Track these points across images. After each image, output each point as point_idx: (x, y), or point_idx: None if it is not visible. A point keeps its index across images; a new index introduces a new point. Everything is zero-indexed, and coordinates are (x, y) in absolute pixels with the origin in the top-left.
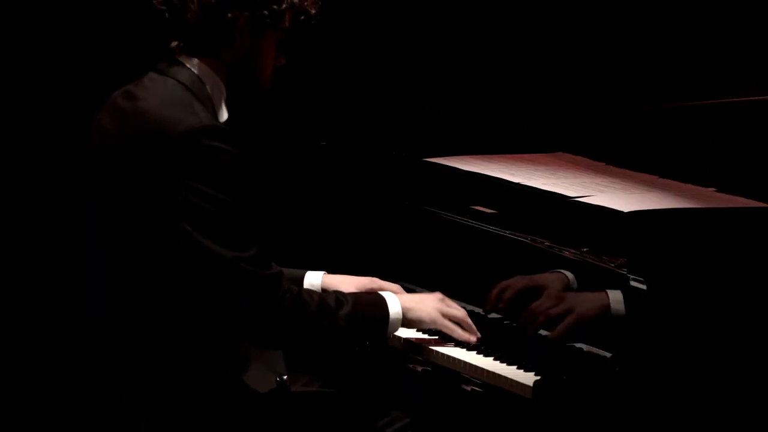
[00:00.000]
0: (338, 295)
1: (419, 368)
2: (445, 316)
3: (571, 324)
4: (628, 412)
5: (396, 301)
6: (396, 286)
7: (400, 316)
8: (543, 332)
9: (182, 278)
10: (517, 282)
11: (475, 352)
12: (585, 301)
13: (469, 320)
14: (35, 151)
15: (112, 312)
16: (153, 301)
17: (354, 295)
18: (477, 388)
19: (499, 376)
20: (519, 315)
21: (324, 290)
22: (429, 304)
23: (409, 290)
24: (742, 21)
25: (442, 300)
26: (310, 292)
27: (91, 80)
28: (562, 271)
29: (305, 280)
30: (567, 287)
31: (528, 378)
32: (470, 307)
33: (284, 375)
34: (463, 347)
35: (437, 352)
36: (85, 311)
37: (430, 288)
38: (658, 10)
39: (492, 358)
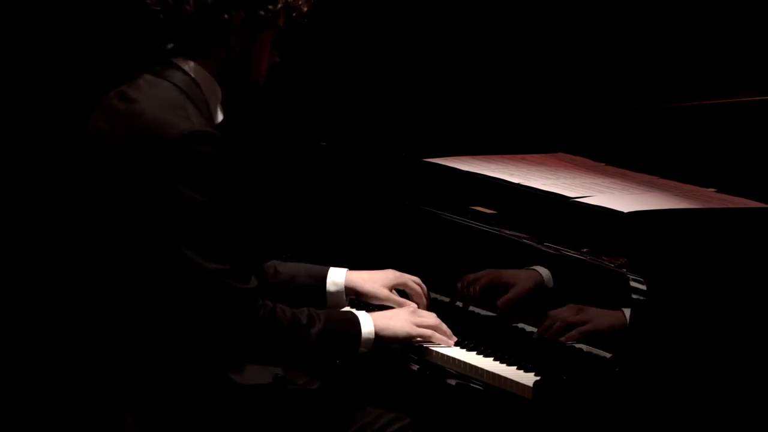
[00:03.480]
0: (311, 313)
1: (418, 368)
2: (419, 326)
3: (586, 332)
4: (628, 412)
5: (369, 320)
6: (416, 280)
7: (372, 336)
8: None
9: (167, 284)
10: (486, 275)
11: (475, 352)
12: (604, 316)
13: (444, 326)
14: (31, 151)
15: (107, 313)
16: (145, 304)
17: (327, 313)
18: (477, 388)
19: (499, 376)
20: (514, 314)
21: (347, 287)
22: (401, 318)
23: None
24: (742, 21)
25: (413, 312)
26: (283, 308)
27: (87, 80)
28: (537, 268)
29: (328, 277)
30: (540, 285)
31: (528, 378)
32: (471, 308)
33: (280, 372)
34: (463, 348)
35: (437, 352)
36: (79, 313)
37: (430, 288)
38: (658, 10)
39: (492, 358)
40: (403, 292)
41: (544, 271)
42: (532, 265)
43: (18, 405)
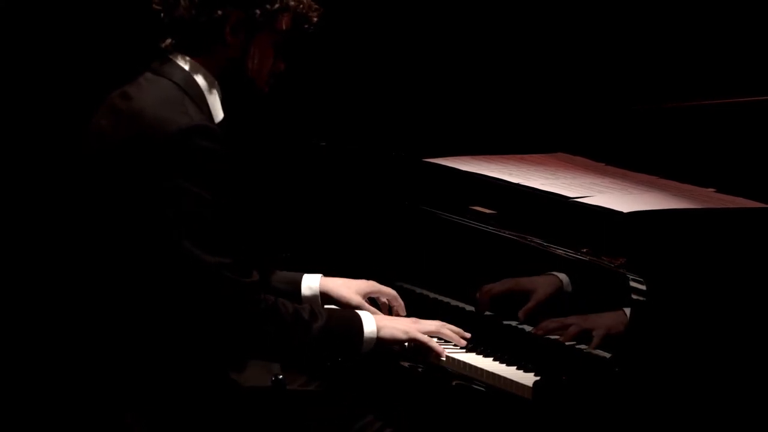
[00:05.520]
0: (313, 309)
1: (419, 369)
2: (420, 331)
3: (601, 336)
4: (627, 413)
5: (371, 320)
6: (392, 291)
7: (375, 336)
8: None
9: (168, 280)
10: (504, 283)
11: (475, 352)
12: (604, 316)
13: (446, 330)
14: (34, 151)
15: (107, 311)
16: (146, 301)
17: (329, 311)
18: (476, 388)
19: (499, 376)
20: (515, 315)
21: (322, 293)
22: (403, 323)
23: (407, 291)
24: (742, 21)
25: (415, 321)
26: (285, 303)
27: (89, 80)
28: (556, 273)
29: (303, 282)
30: (559, 290)
31: (528, 378)
32: (470, 308)
33: (279, 374)
34: (462, 348)
35: None
36: (79, 311)
37: (429, 288)
38: (658, 10)
39: (492, 358)
40: (374, 302)
41: (563, 276)
42: (531, 265)
43: (18, 404)
